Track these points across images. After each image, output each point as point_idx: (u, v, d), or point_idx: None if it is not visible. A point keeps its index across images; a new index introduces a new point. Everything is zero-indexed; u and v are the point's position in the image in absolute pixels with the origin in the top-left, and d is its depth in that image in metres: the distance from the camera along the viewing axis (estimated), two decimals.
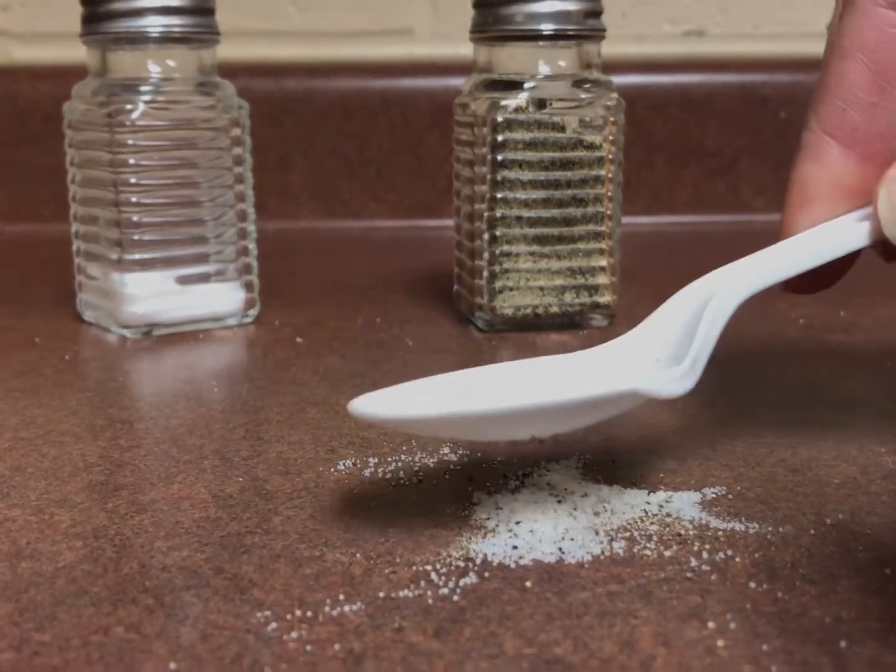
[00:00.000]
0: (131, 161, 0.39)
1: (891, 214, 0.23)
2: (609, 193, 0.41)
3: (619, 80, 0.42)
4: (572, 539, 0.23)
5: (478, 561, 0.23)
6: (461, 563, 0.22)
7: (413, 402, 0.23)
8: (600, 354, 0.26)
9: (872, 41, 0.24)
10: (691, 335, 0.25)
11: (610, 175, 0.40)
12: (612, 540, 0.23)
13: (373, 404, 0.23)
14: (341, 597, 0.21)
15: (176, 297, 0.41)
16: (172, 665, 0.19)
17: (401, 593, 0.21)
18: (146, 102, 0.39)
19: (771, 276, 0.25)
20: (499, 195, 0.40)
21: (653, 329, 0.26)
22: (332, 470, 0.28)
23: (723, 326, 0.25)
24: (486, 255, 0.40)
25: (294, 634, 0.20)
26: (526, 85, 0.40)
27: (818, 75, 0.26)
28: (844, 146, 0.25)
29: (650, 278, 0.51)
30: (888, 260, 0.27)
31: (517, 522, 0.24)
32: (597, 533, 0.24)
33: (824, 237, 0.25)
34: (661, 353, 0.26)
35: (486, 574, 0.22)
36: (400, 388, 0.24)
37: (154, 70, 0.40)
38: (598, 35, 0.40)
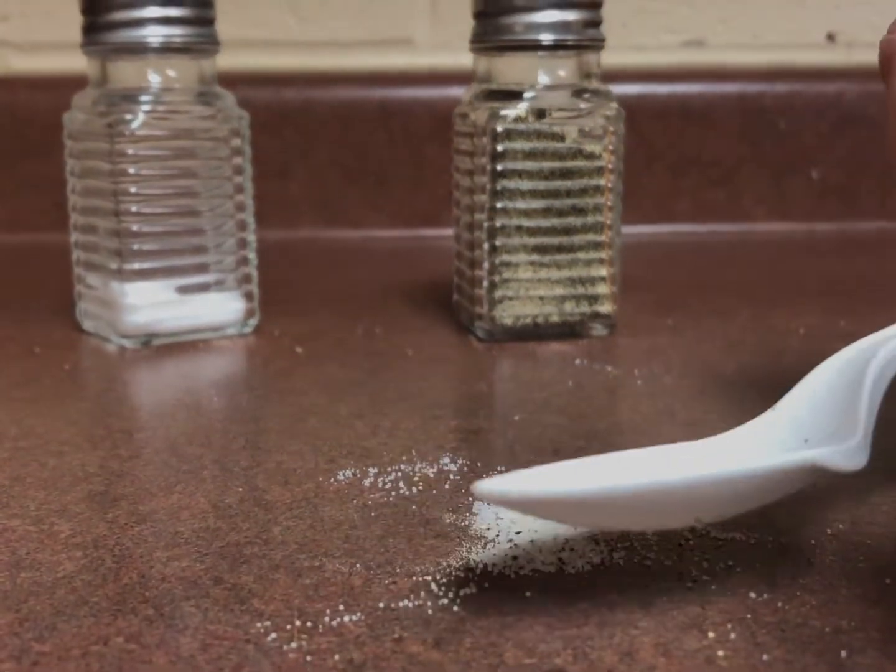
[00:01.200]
0: (131, 171, 0.40)
1: None
2: (609, 203, 0.41)
3: (618, 89, 0.42)
4: (572, 549, 0.23)
5: (478, 571, 0.22)
6: (461, 574, 0.22)
7: (558, 479, 0.21)
8: (745, 434, 0.24)
9: None
10: (843, 407, 0.23)
11: (610, 185, 0.40)
12: (612, 550, 0.23)
13: (505, 483, 0.20)
14: (341, 607, 0.21)
15: (176, 306, 0.41)
16: None
17: (401, 603, 0.21)
18: (146, 112, 0.40)
19: None
20: (498, 205, 0.40)
21: (798, 404, 0.24)
22: (332, 480, 0.28)
23: (885, 391, 0.24)
24: (485, 264, 0.40)
25: (294, 645, 0.20)
26: (526, 95, 0.40)
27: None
28: None
29: (650, 288, 0.51)
30: None
31: (517, 532, 0.24)
32: (597, 543, 0.24)
33: None
34: (812, 432, 0.24)
35: (486, 584, 0.22)
36: (539, 469, 0.21)
37: (154, 80, 0.40)
38: (597, 45, 0.40)
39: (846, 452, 0.22)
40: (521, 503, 0.21)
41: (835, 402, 0.24)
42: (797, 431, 0.24)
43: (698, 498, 0.21)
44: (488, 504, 0.24)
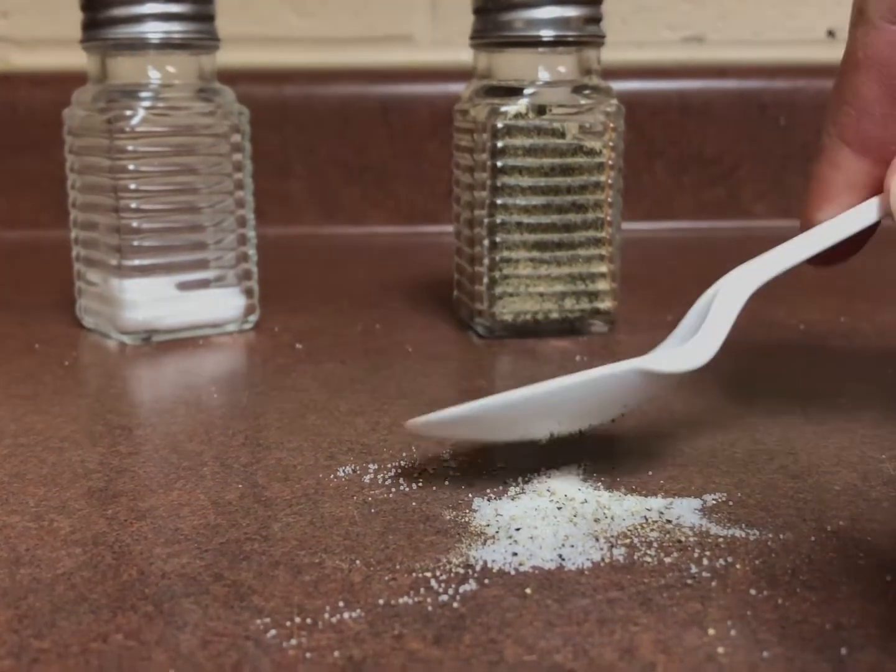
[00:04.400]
0: (131, 167, 0.40)
1: None
2: (609, 199, 0.41)
3: (618, 86, 0.42)
4: (572, 545, 0.23)
5: (478, 567, 0.22)
6: (461, 570, 0.22)
7: (445, 411, 0.26)
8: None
9: (884, 57, 0.26)
10: (696, 324, 0.26)
11: (610, 181, 0.40)
12: (612, 546, 0.23)
13: (418, 420, 0.27)
14: (341, 604, 0.21)
15: (175, 303, 0.41)
16: None
17: (400, 600, 0.21)
18: (146, 108, 0.40)
19: (790, 258, 0.27)
20: (499, 201, 0.40)
21: (675, 333, 0.27)
22: (332, 476, 0.28)
23: (741, 306, 0.26)
24: (485, 260, 0.40)
25: (293, 641, 0.20)
26: (526, 91, 0.40)
27: (832, 81, 0.27)
28: (859, 151, 0.27)
29: (650, 284, 0.51)
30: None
31: (517, 529, 0.24)
32: (597, 539, 0.24)
33: (839, 220, 0.27)
34: (671, 343, 0.26)
35: (486, 581, 0.22)
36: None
37: (154, 76, 0.40)
38: (597, 41, 0.40)
39: (673, 356, 0.24)
40: (431, 427, 0.27)
41: (692, 321, 0.26)
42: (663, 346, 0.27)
43: (547, 407, 0.25)
44: (418, 434, 0.28)
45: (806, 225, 0.28)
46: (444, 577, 0.22)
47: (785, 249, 0.27)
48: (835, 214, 0.28)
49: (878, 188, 0.27)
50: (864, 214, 0.27)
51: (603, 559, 0.23)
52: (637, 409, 0.33)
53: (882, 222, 0.28)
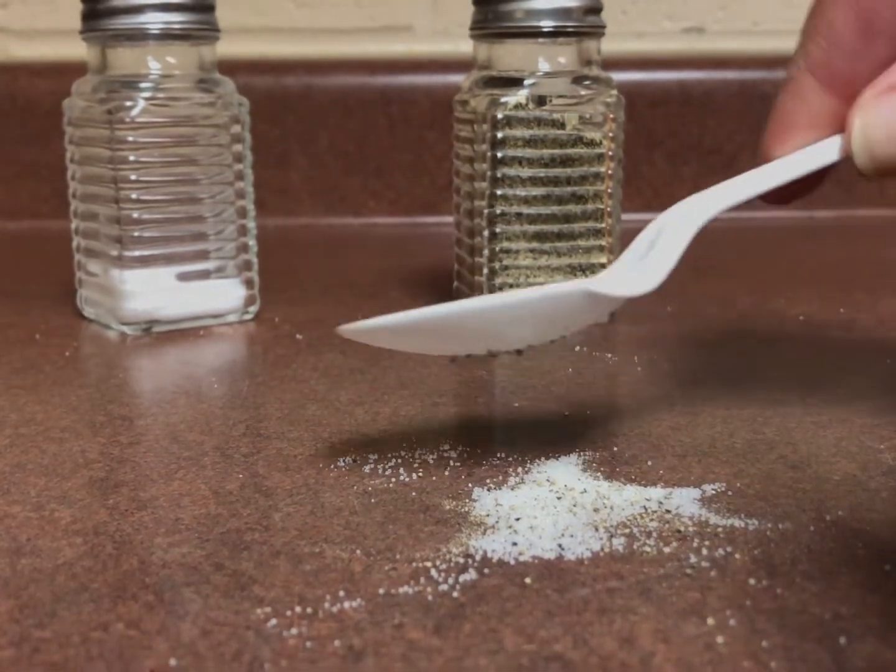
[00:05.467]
0: (131, 158, 0.39)
1: (863, 141, 0.24)
2: (609, 190, 0.41)
3: (618, 76, 0.42)
4: (572, 535, 0.23)
5: (477, 557, 0.23)
6: (461, 560, 0.22)
7: (381, 318, 0.26)
8: None
9: None
10: (645, 252, 0.25)
11: (610, 172, 0.40)
12: (611, 536, 0.23)
13: (351, 325, 0.26)
14: (341, 593, 0.21)
15: (176, 293, 0.41)
16: (173, 661, 0.19)
17: (400, 590, 0.21)
18: (146, 99, 0.39)
19: (743, 192, 0.26)
20: (499, 192, 0.40)
21: (625, 256, 0.26)
22: (332, 466, 0.28)
23: (691, 236, 0.25)
24: (485, 251, 0.40)
25: (294, 631, 0.20)
26: (526, 82, 0.39)
27: (809, 9, 0.27)
28: (825, 85, 0.26)
29: None
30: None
31: (517, 519, 0.24)
32: (596, 529, 0.24)
33: (797, 156, 0.26)
34: (618, 268, 0.26)
35: (486, 570, 0.22)
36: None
37: (154, 67, 0.40)
38: (597, 32, 0.40)
39: (621, 280, 0.23)
40: (364, 332, 0.27)
41: (642, 247, 0.26)
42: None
43: (488, 323, 0.25)
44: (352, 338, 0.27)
45: (764, 158, 0.27)
46: (444, 566, 0.22)
47: (738, 182, 0.27)
48: (793, 150, 0.27)
49: (839, 127, 0.26)
50: (824, 153, 0.26)
51: (602, 549, 0.23)
52: (636, 401, 0.33)
53: (843, 166, 0.27)
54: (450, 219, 0.45)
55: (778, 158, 0.27)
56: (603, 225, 0.41)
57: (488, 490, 0.26)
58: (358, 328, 0.26)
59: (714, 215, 0.26)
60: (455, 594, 0.21)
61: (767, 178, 0.26)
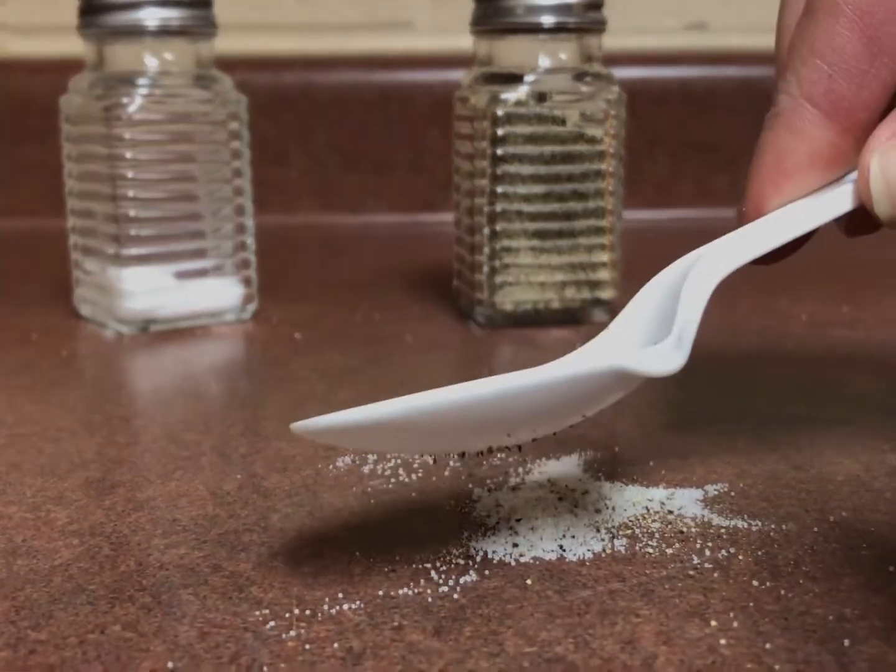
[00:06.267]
0: (128, 155, 0.39)
1: (885, 188, 0.22)
2: (610, 188, 0.40)
3: (620, 73, 0.41)
4: (573, 536, 0.23)
5: (478, 559, 0.22)
6: (461, 561, 0.22)
7: (346, 413, 0.20)
8: (576, 354, 0.24)
9: (867, 1, 0.22)
10: (671, 316, 0.23)
11: (611, 169, 0.40)
12: (613, 537, 0.23)
13: (313, 421, 0.21)
14: (340, 595, 0.21)
15: (173, 292, 0.41)
16: (170, 664, 0.19)
17: (400, 591, 0.21)
18: (143, 96, 0.39)
19: (755, 249, 0.24)
20: (499, 189, 0.40)
21: (627, 319, 0.24)
22: (331, 467, 0.28)
23: (706, 301, 0.23)
24: (486, 249, 0.40)
25: (293, 633, 0.20)
26: (526, 78, 0.39)
27: (797, 25, 0.24)
28: (827, 116, 0.23)
29: (651, 273, 0.51)
30: (851, 234, 0.25)
31: (518, 520, 0.24)
32: (598, 530, 0.23)
33: (805, 208, 0.23)
34: (639, 339, 0.23)
35: (487, 572, 0.22)
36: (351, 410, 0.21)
37: (151, 63, 0.40)
38: (598, 28, 0.40)
39: (653, 356, 0.21)
40: (325, 432, 0.21)
41: (659, 314, 0.23)
42: (623, 345, 0.23)
43: (502, 411, 0.20)
44: (308, 436, 0.23)
45: (756, 203, 0.24)
46: (444, 568, 0.22)
47: (754, 233, 0.24)
48: (792, 196, 0.23)
49: (841, 164, 0.23)
50: (836, 201, 0.23)
51: (604, 550, 0.23)
52: (637, 401, 0.33)
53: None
54: (450, 217, 0.45)
55: (773, 208, 0.24)
56: (604, 223, 0.41)
57: (489, 491, 0.26)
58: (318, 426, 0.21)
59: (727, 274, 0.23)
60: (455, 596, 0.21)
61: (786, 228, 0.23)
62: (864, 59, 0.22)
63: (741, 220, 0.24)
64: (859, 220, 0.24)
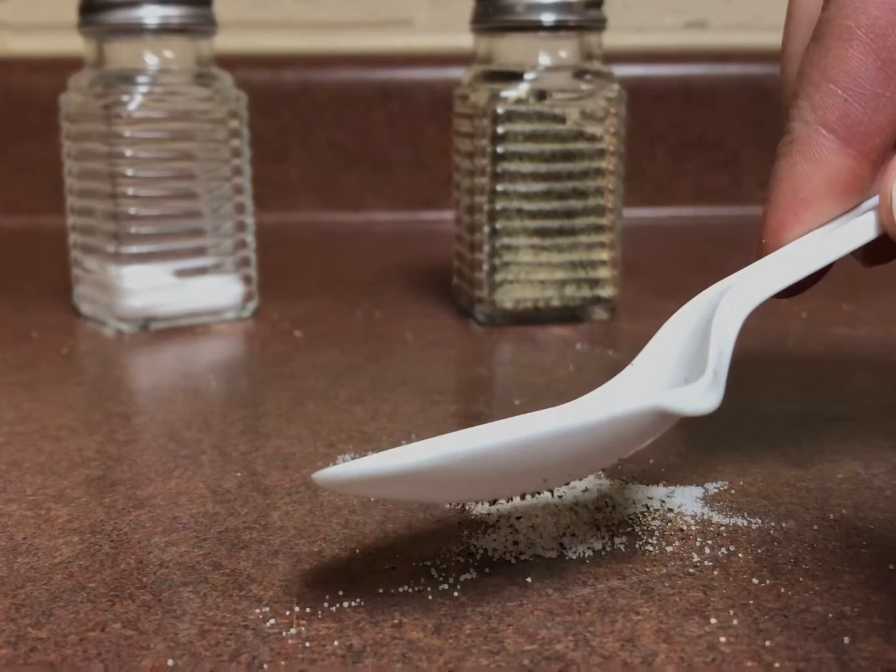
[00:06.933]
0: (128, 153, 0.39)
1: None
2: (610, 186, 0.40)
3: (620, 71, 0.41)
4: (573, 534, 0.23)
5: (478, 556, 0.22)
6: (461, 559, 0.22)
7: (373, 459, 0.19)
8: (603, 392, 0.23)
9: (881, 24, 0.22)
10: (697, 354, 0.22)
11: (611, 167, 0.40)
12: (613, 535, 0.23)
13: (341, 469, 0.20)
14: (340, 593, 0.21)
15: (173, 290, 0.41)
16: (170, 661, 0.19)
17: (400, 589, 0.21)
18: (143, 94, 0.39)
19: (781, 281, 0.23)
20: (499, 187, 0.40)
21: (651, 356, 0.23)
22: (332, 464, 0.27)
23: (736, 334, 0.22)
24: (486, 247, 0.40)
25: (293, 630, 0.20)
26: (526, 76, 0.39)
27: (806, 50, 0.24)
28: (843, 142, 0.23)
29: (652, 271, 0.51)
30: (868, 263, 0.25)
31: (518, 518, 0.24)
32: (598, 528, 0.23)
33: (827, 239, 0.23)
34: (667, 376, 0.23)
35: (487, 570, 0.22)
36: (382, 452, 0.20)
37: (151, 61, 0.40)
38: (599, 26, 0.40)
39: (691, 394, 0.21)
40: (349, 483, 0.20)
41: (687, 350, 0.23)
42: (654, 383, 0.23)
43: (539, 456, 0.20)
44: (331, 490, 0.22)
45: (775, 233, 0.23)
46: (444, 565, 0.22)
47: (779, 265, 0.23)
48: (812, 224, 0.23)
49: (859, 189, 0.23)
50: (861, 230, 0.23)
51: (604, 548, 0.23)
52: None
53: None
54: (449, 215, 0.45)
55: (793, 238, 0.23)
56: (604, 221, 0.41)
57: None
58: (341, 477, 0.20)
59: (754, 307, 0.23)
60: (455, 593, 0.21)
61: (803, 263, 0.23)
62: (878, 82, 0.22)
63: (760, 252, 0.24)
64: (879, 249, 0.24)
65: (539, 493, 0.24)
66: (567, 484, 0.23)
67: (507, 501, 0.24)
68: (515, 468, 0.20)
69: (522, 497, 0.24)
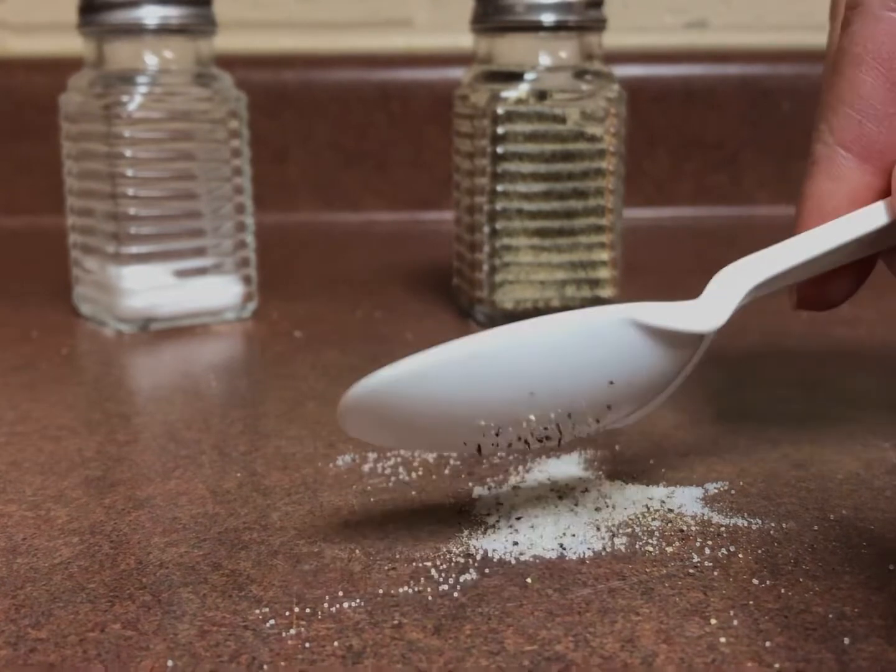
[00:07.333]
0: (128, 153, 0.39)
1: None
2: (610, 186, 0.40)
3: (620, 71, 0.41)
4: (573, 535, 0.23)
5: (478, 557, 0.22)
6: (461, 560, 0.22)
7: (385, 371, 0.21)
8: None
9: (887, 49, 0.24)
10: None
11: (611, 167, 0.40)
12: (613, 536, 0.23)
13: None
14: (340, 593, 0.21)
15: (173, 290, 0.41)
16: (170, 662, 0.19)
17: (400, 590, 0.21)
18: (143, 94, 0.39)
19: (795, 256, 0.24)
20: (499, 188, 0.39)
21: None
22: (331, 465, 0.28)
23: (749, 289, 0.23)
24: (486, 248, 0.40)
25: (293, 631, 0.20)
26: (527, 76, 0.39)
27: (825, 79, 0.25)
28: (861, 160, 0.24)
29: (652, 272, 0.51)
30: None
31: (518, 518, 0.24)
32: (598, 529, 0.23)
33: (842, 221, 0.24)
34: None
35: (487, 570, 0.22)
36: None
37: (151, 61, 0.40)
38: (599, 26, 0.40)
39: (675, 312, 0.20)
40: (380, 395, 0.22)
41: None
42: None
43: (523, 358, 0.21)
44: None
45: None
46: (444, 566, 0.22)
47: (791, 245, 0.24)
48: None
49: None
50: (873, 216, 0.24)
51: (604, 548, 0.23)
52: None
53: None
54: (450, 215, 0.45)
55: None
56: (604, 221, 0.41)
57: (489, 489, 0.26)
58: (361, 392, 0.21)
59: (768, 277, 0.24)
60: (455, 594, 0.21)
61: (821, 240, 0.24)
62: (889, 102, 0.24)
63: None
64: None
65: (546, 440, 0.22)
66: (560, 430, 0.22)
67: (514, 442, 0.22)
68: (505, 376, 0.21)
69: (528, 443, 0.22)
